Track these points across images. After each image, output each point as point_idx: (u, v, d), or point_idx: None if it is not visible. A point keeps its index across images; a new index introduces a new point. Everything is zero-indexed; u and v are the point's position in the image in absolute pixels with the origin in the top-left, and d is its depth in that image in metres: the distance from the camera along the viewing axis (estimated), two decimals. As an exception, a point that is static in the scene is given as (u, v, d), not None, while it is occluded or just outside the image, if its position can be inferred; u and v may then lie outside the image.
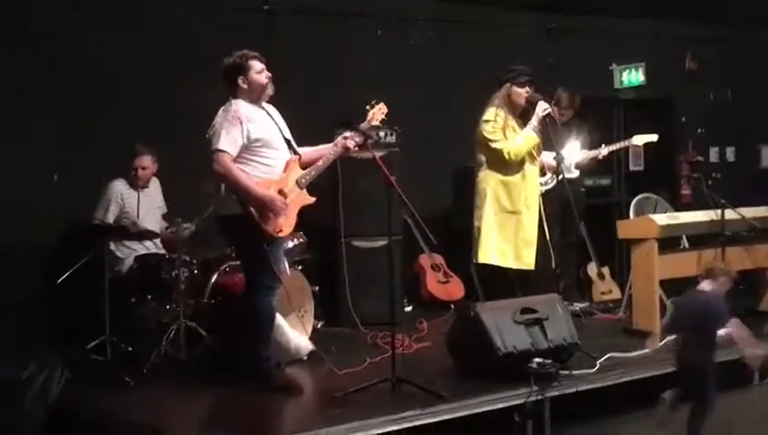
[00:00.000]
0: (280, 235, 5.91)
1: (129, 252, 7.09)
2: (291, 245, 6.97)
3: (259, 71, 5.97)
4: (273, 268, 5.89)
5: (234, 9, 8.30)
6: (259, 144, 5.87)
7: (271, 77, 6.03)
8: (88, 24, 7.59)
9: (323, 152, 6.16)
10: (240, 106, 5.88)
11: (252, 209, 5.74)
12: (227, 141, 5.74)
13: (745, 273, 8.08)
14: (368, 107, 6.27)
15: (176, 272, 6.67)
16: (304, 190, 6.07)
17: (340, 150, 6.14)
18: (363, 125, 6.22)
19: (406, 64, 9.28)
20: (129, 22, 7.78)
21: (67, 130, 7.43)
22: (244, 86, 5.94)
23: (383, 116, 6.27)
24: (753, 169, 11.55)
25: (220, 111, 5.91)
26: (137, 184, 7.20)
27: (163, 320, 6.65)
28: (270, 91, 6.08)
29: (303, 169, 6.08)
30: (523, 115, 7.01)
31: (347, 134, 6.17)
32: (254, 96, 5.97)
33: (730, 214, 7.36)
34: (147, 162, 7.21)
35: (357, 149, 6.27)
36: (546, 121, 6.98)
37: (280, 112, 6.18)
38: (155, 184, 7.36)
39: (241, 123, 5.79)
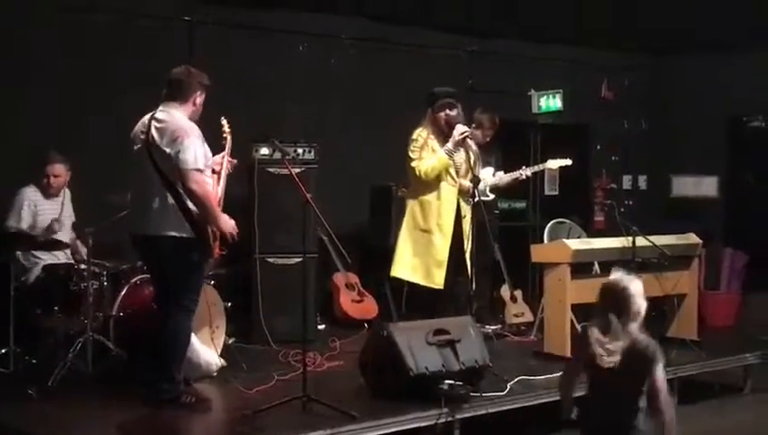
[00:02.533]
0: (217, 255, 5.91)
1: (36, 261, 6.92)
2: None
3: (203, 102, 5.93)
4: (198, 291, 5.86)
5: (154, 18, 8.20)
6: (209, 164, 5.84)
7: None
8: (2, 29, 7.43)
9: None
10: (192, 123, 5.80)
11: (209, 230, 5.69)
12: (200, 160, 5.65)
13: (655, 299, 8.23)
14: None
15: (84, 283, 6.53)
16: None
17: (225, 170, 6.15)
18: (228, 147, 6.21)
19: (327, 81, 9.28)
20: (46, 27, 7.63)
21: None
22: (194, 105, 5.87)
23: (227, 129, 6.25)
24: (665, 197, 11.78)
25: (180, 124, 5.70)
26: (48, 192, 7.05)
27: (70, 332, 6.50)
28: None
29: None
30: (449, 137, 7.05)
31: (226, 155, 6.17)
32: (193, 118, 5.87)
33: (641, 241, 7.47)
34: (59, 171, 7.06)
35: (230, 167, 6.24)
36: (463, 144, 7.03)
37: (199, 123, 6.12)
38: (66, 193, 7.21)
39: (203, 142, 5.74)
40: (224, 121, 6.25)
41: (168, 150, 5.62)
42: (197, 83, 5.87)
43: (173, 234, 5.69)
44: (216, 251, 5.82)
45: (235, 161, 6.23)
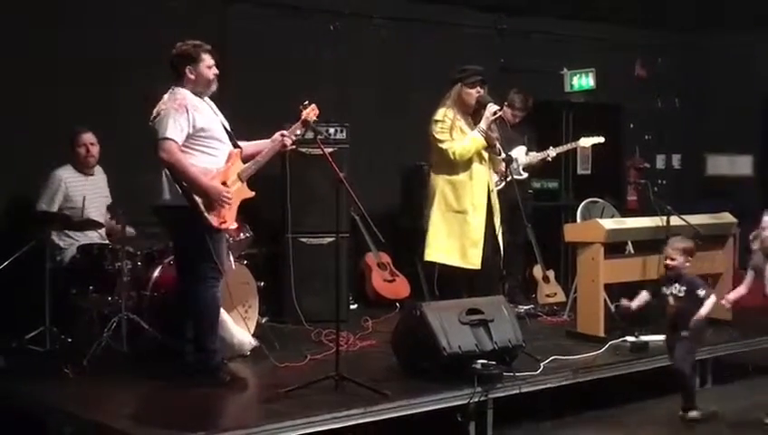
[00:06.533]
0: (223, 226, 5.88)
1: (71, 241, 6.97)
2: (237, 239, 6.92)
3: (209, 65, 5.92)
4: (215, 260, 5.85)
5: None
6: (204, 134, 5.82)
7: (218, 74, 5.97)
8: (29, 9, 7.45)
9: (262, 147, 6.16)
10: (186, 95, 5.83)
11: (197, 199, 5.69)
12: (174, 129, 5.67)
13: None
14: (301, 107, 6.22)
15: (119, 263, 6.58)
16: (245, 184, 6.06)
17: (277, 147, 6.16)
18: (296, 125, 6.21)
19: (359, 60, 9.26)
20: (76, 6, 7.65)
21: (8, 117, 7.28)
22: (192, 76, 5.88)
23: (315, 117, 6.21)
24: (699, 176, 11.69)
25: (164, 99, 5.84)
26: (88, 163, 7.10)
27: (104, 311, 6.56)
28: (214, 87, 5.99)
29: (244, 162, 6.07)
30: (474, 115, 7.01)
31: (284, 132, 6.18)
32: (199, 89, 5.92)
33: (675, 220, 7.41)
34: (93, 138, 7.11)
35: (293, 147, 6.33)
36: (496, 124, 6.99)
37: (230, 101, 6.13)
38: (100, 172, 7.25)
39: (187, 111, 5.74)
40: (308, 106, 6.21)
41: (151, 124, 5.80)
42: (187, 54, 5.88)
43: (169, 203, 5.81)
44: (215, 221, 5.77)
45: (288, 140, 6.20)
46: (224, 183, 5.85)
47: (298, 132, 6.24)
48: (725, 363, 7.35)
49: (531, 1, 10.06)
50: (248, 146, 6.14)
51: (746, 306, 8.55)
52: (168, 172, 5.77)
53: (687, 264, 6.31)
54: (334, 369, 5.69)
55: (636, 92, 11.30)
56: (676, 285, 6.24)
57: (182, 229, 5.89)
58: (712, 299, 6.24)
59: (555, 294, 8.86)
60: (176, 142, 5.68)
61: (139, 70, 7.58)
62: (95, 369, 6.06)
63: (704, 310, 6.17)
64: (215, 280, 5.90)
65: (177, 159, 5.67)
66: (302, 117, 6.16)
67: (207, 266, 5.83)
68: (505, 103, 8.20)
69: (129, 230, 6.81)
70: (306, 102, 6.22)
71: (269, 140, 6.19)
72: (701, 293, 6.22)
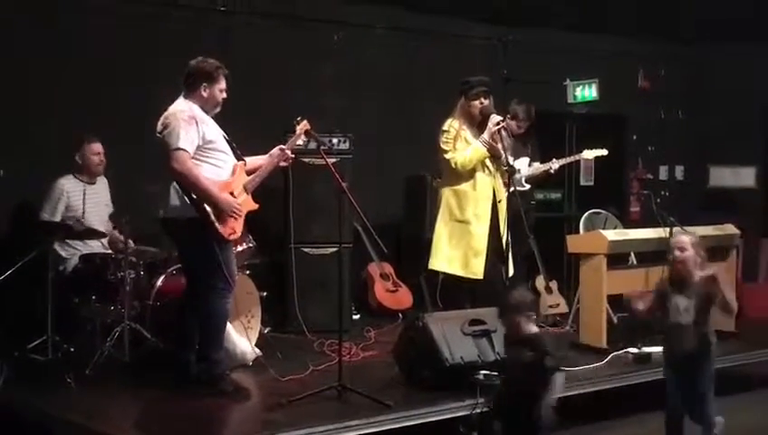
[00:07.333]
0: (232, 237, 5.91)
1: (73, 251, 6.97)
2: (240, 249, 6.92)
3: (222, 88, 5.98)
4: (225, 271, 5.86)
5: (189, 7, 8.22)
6: (211, 146, 5.86)
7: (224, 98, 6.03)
8: (32, 20, 7.46)
9: (260, 161, 6.21)
10: (194, 108, 5.86)
11: (208, 210, 5.69)
12: (186, 140, 5.70)
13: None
14: (294, 122, 6.28)
15: (121, 273, 6.58)
16: (249, 196, 6.09)
17: (276, 161, 6.22)
18: (291, 141, 6.28)
19: (362, 71, 9.27)
20: (75, 17, 7.66)
21: (11, 125, 7.29)
22: (204, 94, 5.91)
23: (299, 129, 6.30)
24: (702, 187, 11.69)
25: (172, 110, 5.85)
26: (96, 173, 7.11)
27: (107, 321, 6.56)
28: (218, 110, 6.05)
29: (248, 175, 6.11)
30: (481, 126, 7.03)
31: (282, 146, 6.24)
32: (206, 108, 5.95)
33: (678, 232, 7.39)
34: (101, 148, 7.13)
35: (293, 158, 6.38)
36: (499, 134, 7.00)
37: (233, 113, 6.16)
38: (102, 181, 7.25)
39: (197, 123, 5.77)
40: (301, 121, 6.27)
41: (159, 136, 5.79)
42: (204, 75, 5.92)
43: (178, 215, 5.82)
44: (224, 232, 5.81)
45: (288, 153, 6.26)
46: (231, 194, 5.89)
47: (298, 143, 6.31)
48: (728, 375, 7.32)
49: (534, 12, 10.07)
50: (248, 161, 6.18)
51: (751, 318, 8.60)
52: (177, 184, 5.79)
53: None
54: (337, 379, 5.70)
55: (639, 104, 11.30)
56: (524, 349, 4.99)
57: (191, 241, 5.89)
58: (561, 378, 4.96)
59: (558, 305, 8.83)
60: (188, 153, 5.71)
61: (140, 81, 7.59)
62: (98, 378, 6.07)
63: (555, 391, 4.84)
64: (225, 290, 5.92)
65: (188, 170, 5.70)
66: (297, 132, 6.24)
67: (217, 278, 5.85)
68: (508, 115, 8.20)
69: (130, 244, 6.82)
70: (299, 118, 6.28)
71: (267, 155, 6.23)
72: (548, 363, 4.89)
